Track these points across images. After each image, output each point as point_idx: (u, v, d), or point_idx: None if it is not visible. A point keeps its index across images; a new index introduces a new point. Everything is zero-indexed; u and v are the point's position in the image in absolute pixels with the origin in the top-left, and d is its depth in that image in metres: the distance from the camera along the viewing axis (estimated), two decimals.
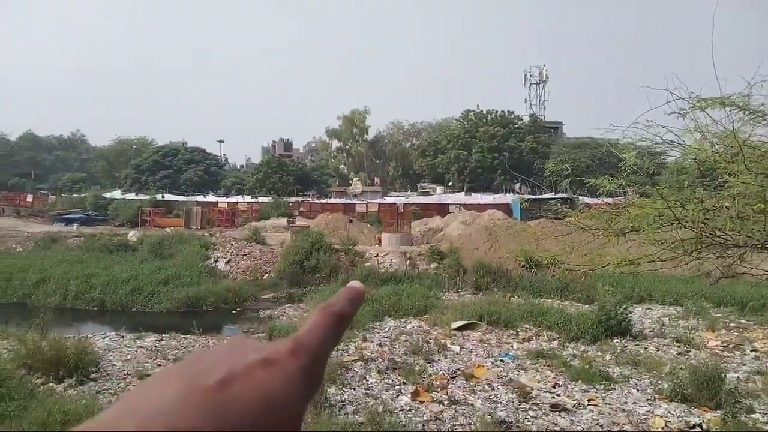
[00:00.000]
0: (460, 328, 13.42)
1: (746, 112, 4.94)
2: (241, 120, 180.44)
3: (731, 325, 13.72)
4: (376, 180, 73.71)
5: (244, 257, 24.13)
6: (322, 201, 51.49)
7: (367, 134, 79.80)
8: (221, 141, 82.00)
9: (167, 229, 30.79)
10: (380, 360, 11.03)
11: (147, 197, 50.43)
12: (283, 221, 36.42)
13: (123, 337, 13.61)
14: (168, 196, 53.25)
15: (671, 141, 5.35)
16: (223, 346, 0.46)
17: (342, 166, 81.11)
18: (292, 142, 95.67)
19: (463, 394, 9.29)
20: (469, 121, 67.64)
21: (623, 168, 5.26)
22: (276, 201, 46.61)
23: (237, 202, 49.84)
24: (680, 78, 5.08)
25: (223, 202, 50.75)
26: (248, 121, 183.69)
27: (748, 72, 4.71)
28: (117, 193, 56.12)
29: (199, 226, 35.78)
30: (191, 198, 52.87)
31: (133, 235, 28.39)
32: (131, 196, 54.30)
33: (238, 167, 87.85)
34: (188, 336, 13.47)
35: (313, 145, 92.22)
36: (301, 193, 56.05)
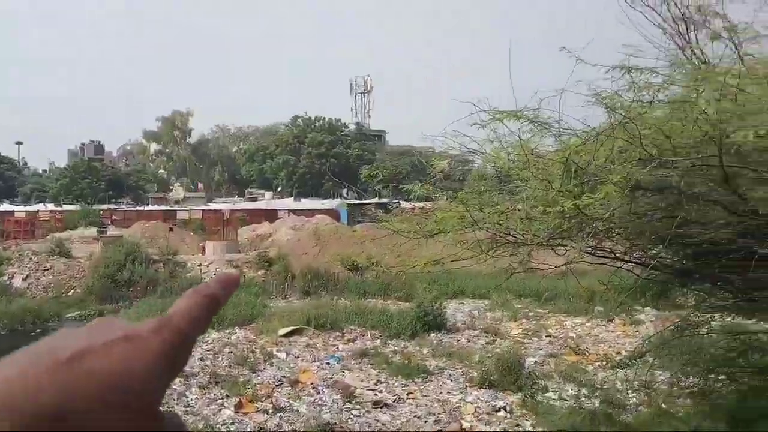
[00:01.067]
0: (287, 335, 13.33)
1: (535, 124, 5.54)
2: (44, 120, 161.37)
3: (530, 314, 15.35)
4: (200, 185, 70.60)
5: (46, 272, 21.63)
6: (139, 208, 48.06)
7: (189, 137, 76.08)
8: (19, 143, 72.75)
9: None
10: (201, 374, 10.55)
11: None
12: (93, 231, 33.32)
13: None
14: None
15: (475, 150, 5.83)
16: (85, 327, 0.44)
17: (161, 171, 76.39)
18: (104, 145, 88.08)
19: (288, 401, 9.25)
20: (298, 126, 67.80)
21: (431, 174, 5.62)
22: (84, 209, 42.45)
23: (38, 211, 44.62)
24: (484, 90, 5.55)
25: (20, 211, 45.15)
26: (53, 122, 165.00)
27: (540, 86, 5.28)
28: None
29: None
30: None
31: None
32: None
33: (40, 172, 78.56)
34: None
35: (129, 148, 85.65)
36: (114, 200, 51.81)
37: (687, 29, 5.90)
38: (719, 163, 3.70)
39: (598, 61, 5.43)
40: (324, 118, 68.43)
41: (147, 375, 0.40)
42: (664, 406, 7.33)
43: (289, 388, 9.91)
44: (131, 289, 19.85)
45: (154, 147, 77.47)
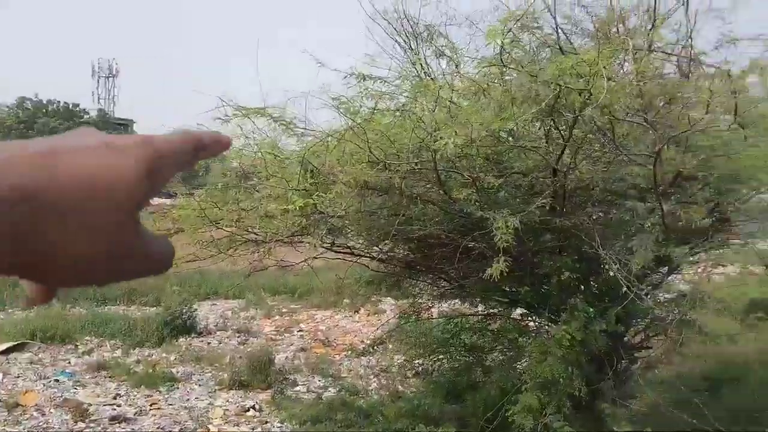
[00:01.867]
0: (4, 352, 11.49)
1: (279, 123, 5.60)
2: None
3: (284, 310, 15.55)
4: None
5: None
6: None
7: None
8: None
9: None
10: None
11: None
12: None
13: None
14: None
15: None
16: (65, 133, 0.43)
17: None
18: None
19: (4, 430, 7.98)
20: (26, 110, 58.88)
21: None
22: None
23: None
24: (233, 85, 5.45)
25: None
26: None
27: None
28: None
29: None
30: None
31: None
32: None
33: None
34: None
35: None
36: None
37: (417, 45, 6.55)
38: (433, 167, 4.16)
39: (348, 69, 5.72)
40: (59, 102, 60.63)
41: (128, 183, 0.38)
42: (400, 387, 8.04)
43: (6, 413, 8.55)
44: None
45: None
